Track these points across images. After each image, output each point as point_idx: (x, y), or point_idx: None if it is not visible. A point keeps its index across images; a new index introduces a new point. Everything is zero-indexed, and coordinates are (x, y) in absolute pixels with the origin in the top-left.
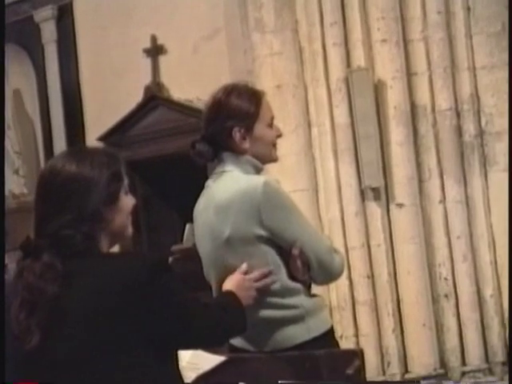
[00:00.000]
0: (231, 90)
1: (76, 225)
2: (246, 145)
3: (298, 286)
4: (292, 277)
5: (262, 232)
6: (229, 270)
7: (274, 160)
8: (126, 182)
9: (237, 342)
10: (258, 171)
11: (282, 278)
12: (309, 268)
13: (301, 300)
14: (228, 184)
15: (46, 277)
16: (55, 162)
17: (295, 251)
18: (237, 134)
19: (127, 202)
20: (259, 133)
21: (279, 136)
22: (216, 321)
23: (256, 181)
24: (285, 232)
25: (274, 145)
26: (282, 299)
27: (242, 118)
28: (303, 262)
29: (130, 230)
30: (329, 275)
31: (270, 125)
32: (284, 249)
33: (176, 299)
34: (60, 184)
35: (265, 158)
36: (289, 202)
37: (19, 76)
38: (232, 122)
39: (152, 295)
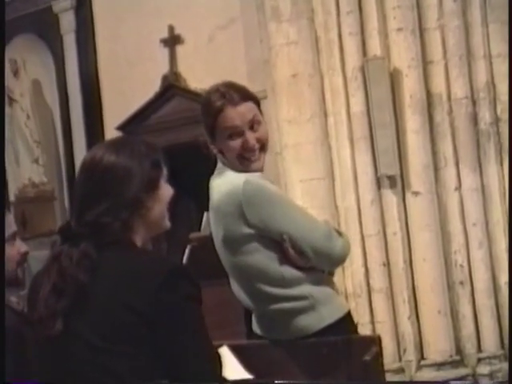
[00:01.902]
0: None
1: (115, 212)
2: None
3: (299, 274)
4: (296, 266)
5: (249, 230)
6: (233, 268)
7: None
8: (165, 171)
9: (256, 329)
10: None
11: (282, 269)
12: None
13: (308, 289)
14: (218, 184)
15: (81, 265)
16: (95, 151)
17: (285, 242)
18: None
19: (167, 190)
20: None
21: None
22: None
23: (237, 181)
24: (271, 227)
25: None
26: (285, 290)
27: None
28: (297, 251)
29: (167, 222)
30: (331, 262)
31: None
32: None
33: (184, 319)
34: (100, 174)
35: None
36: (273, 197)
37: (38, 66)
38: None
39: (163, 301)
